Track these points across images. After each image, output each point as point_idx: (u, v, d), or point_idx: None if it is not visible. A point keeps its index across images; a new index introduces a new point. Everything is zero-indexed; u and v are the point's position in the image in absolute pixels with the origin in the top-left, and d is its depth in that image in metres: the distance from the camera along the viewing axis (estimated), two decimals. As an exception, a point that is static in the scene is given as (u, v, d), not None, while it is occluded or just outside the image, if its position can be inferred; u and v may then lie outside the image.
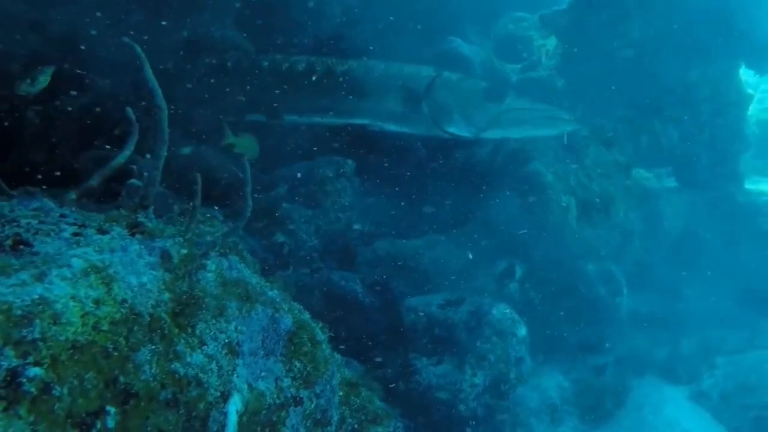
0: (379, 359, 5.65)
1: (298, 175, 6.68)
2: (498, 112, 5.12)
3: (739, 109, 6.74)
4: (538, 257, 6.64)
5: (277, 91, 5.33)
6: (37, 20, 4.53)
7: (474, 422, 5.49)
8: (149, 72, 2.35)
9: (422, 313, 5.96)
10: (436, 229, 6.80)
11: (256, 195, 6.38)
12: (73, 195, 2.67)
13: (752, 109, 8.03)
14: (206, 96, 5.44)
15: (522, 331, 5.92)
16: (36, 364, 1.82)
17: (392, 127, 5.34)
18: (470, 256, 6.62)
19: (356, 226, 6.99)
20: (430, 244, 6.71)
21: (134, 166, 2.86)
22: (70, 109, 4.27)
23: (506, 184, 6.30)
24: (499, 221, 6.46)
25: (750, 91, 6.92)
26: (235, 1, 6.10)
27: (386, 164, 6.65)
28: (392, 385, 5.31)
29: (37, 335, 1.86)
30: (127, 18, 4.88)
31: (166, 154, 2.55)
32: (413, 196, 6.85)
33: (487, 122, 5.15)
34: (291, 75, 5.32)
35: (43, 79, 4.05)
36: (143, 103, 3.23)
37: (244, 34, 6.11)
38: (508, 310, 6.07)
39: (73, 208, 2.62)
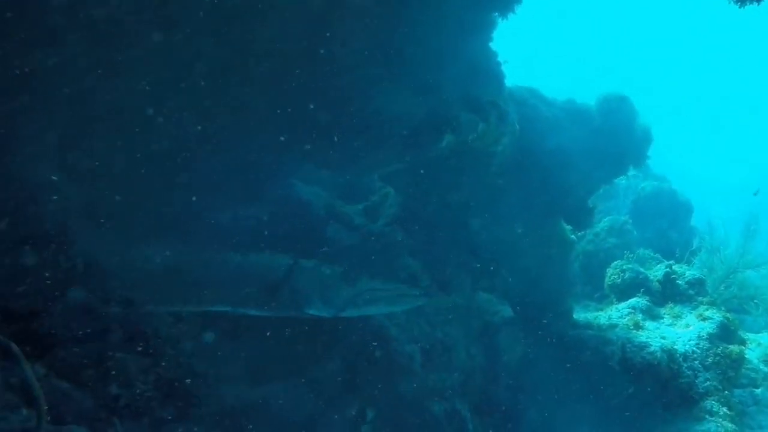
0: None
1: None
2: (354, 294, 5.50)
3: (563, 254, 7.47)
4: (388, 401, 6.75)
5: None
6: None
7: None
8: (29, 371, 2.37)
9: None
10: (286, 373, 6.71)
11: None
12: None
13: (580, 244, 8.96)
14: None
15: (373, 480, 5.93)
16: None
17: (253, 312, 5.48)
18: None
19: (199, 372, 6.73)
20: (280, 390, 6.60)
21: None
22: None
23: (354, 336, 6.40)
24: (349, 370, 6.52)
25: (572, 236, 7.69)
26: None
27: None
28: None
29: None
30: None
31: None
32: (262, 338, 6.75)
33: (344, 303, 5.48)
34: (147, 269, 5.31)
35: None
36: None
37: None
38: (359, 461, 6.08)
39: None
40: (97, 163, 4.75)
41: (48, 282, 4.85)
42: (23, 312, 4.90)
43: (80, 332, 5.65)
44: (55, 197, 4.59)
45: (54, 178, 4.55)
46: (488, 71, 6.19)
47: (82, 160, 4.72)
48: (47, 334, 5.36)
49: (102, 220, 4.93)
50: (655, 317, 9.01)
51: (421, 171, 6.00)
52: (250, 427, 6.41)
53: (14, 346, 3.34)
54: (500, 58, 6.34)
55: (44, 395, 5.16)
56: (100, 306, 5.18)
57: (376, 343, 6.38)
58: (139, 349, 6.47)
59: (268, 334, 6.57)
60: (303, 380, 6.68)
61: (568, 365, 7.89)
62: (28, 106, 4.30)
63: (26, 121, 4.33)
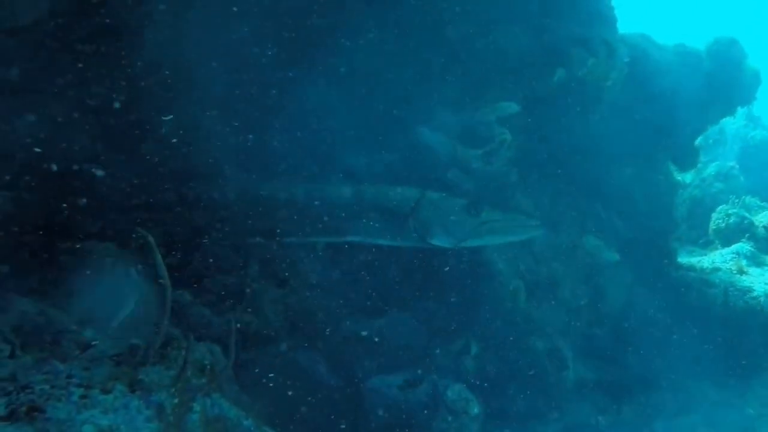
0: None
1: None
2: (476, 225, 5.79)
3: (669, 196, 7.55)
4: (491, 336, 7.13)
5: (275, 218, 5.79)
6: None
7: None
8: (159, 259, 2.83)
9: (383, 395, 6.35)
10: (400, 307, 7.15)
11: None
12: (76, 351, 3.04)
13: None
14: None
15: (475, 409, 6.37)
16: None
17: (382, 242, 5.93)
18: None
19: (324, 305, 7.23)
20: (394, 324, 7.05)
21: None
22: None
23: (462, 269, 6.78)
24: (456, 304, 6.93)
25: (678, 178, 7.72)
26: None
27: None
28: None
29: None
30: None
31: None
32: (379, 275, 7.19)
33: (467, 234, 5.80)
34: (289, 203, 5.82)
35: None
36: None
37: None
38: (462, 391, 6.53)
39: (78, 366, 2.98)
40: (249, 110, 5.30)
41: (203, 216, 5.51)
42: (182, 243, 5.60)
43: (225, 264, 6.35)
44: (215, 141, 5.20)
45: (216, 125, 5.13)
46: (600, 14, 6.34)
47: (238, 108, 5.29)
48: (199, 265, 6.07)
49: (250, 160, 5.51)
50: (760, 264, 8.88)
51: (534, 110, 6.24)
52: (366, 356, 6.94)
53: (151, 239, 3.58)
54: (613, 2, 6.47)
55: (189, 320, 5.88)
56: (245, 238, 5.81)
57: (483, 278, 6.73)
58: (273, 280, 7.04)
59: (386, 269, 7.04)
60: (414, 313, 7.14)
61: (671, 308, 7.98)
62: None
63: (198, 76, 4.92)
